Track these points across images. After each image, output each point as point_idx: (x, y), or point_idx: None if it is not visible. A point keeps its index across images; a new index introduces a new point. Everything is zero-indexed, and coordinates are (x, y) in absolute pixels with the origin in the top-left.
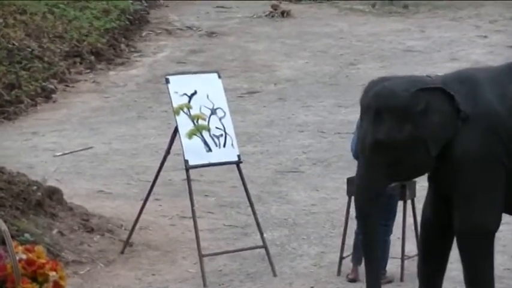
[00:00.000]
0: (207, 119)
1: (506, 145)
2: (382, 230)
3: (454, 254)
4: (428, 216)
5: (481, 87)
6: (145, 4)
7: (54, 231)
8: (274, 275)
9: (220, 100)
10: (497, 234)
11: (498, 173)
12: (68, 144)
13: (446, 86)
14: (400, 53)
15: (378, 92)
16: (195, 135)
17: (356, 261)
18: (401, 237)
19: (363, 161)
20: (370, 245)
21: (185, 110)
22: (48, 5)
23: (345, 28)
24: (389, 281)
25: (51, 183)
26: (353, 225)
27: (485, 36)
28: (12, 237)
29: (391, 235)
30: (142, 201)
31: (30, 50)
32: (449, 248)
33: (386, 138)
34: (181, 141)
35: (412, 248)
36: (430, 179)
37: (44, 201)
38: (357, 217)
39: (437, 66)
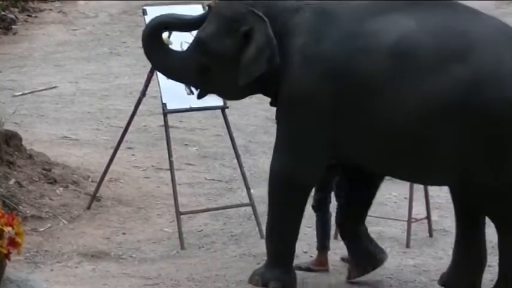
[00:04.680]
0: None
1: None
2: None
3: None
4: None
5: (332, 24)
6: None
7: (11, 182)
8: (262, 236)
9: None
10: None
11: (319, 124)
12: (28, 82)
13: (297, 13)
14: None
15: None
16: None
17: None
18: (408, 197)
19: None
20: None
21: None
22: None
23: None
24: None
25: (8, 126)
26: None
27: None
28: None
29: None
30: (112, 150)
31: None
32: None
33: (206, 39)
34: (158, 82)
35: (420, 209)
36: None
37: (0, 147)
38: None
39: None
